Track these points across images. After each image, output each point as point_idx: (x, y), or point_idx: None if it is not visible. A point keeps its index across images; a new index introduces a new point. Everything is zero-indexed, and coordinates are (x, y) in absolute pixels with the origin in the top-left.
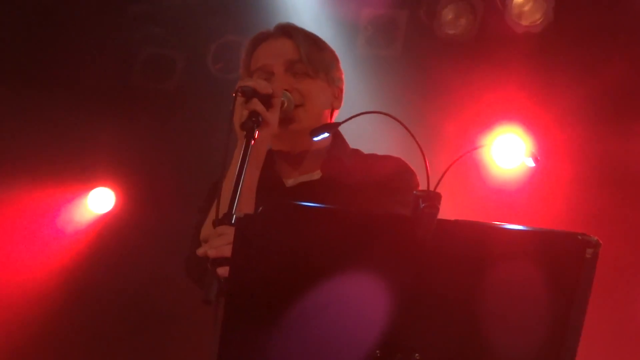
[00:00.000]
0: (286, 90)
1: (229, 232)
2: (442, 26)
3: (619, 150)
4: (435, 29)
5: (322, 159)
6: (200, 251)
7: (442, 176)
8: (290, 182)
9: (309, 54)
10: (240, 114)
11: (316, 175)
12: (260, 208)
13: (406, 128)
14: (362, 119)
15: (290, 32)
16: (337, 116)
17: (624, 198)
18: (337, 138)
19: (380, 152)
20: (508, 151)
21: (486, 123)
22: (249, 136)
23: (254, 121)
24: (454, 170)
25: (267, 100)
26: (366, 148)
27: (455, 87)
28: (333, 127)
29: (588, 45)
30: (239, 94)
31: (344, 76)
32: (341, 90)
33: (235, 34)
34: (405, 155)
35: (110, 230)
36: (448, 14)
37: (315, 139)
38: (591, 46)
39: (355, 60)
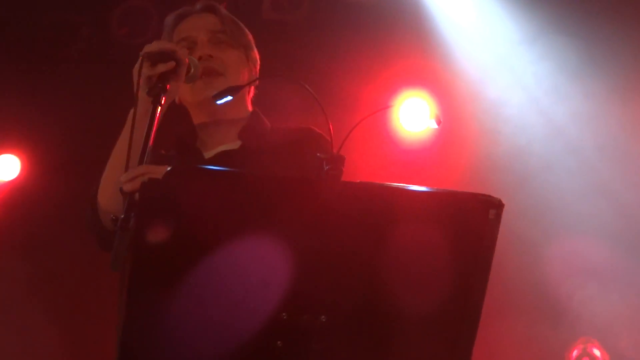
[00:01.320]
0: (210, 56)
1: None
2: None
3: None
4: None
5: (240, 126)
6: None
7: (345, 137)
8: (210, 153)
9: (232, 26)
10: (146, 77)
11: (236, 144)
12: (165, 171)
13: (309, 90)
14: (271, 88)
15: (214, 8)
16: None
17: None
18: (255, 112)
19: (289, 121)
20: (414, 114)
21: (394, 87)
22: (156, 101)
23: (160, 87)
24: (360, 134)
25: (172, 66)
26: (277, 118)
27: (361, 51)
28: (236, 90)
29: None
30: (145, 59)
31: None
32: (257, 70)
33: None
34: (316, 123)
35: (15, 199)
36: None
37: (219, 102)
38: None
39: (260, 25)
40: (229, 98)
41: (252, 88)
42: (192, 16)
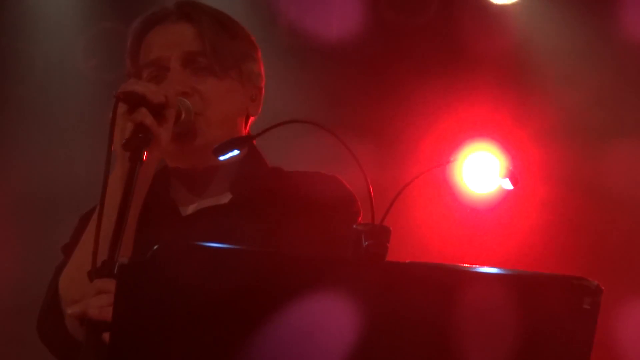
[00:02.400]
0: (184, 93)
1: (112, 289)
2: (390, 6)
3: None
4: (382, 10)
5: (232, 177)
6: (71, 310)
7: (390, 204)
8: (190, 209)
9: (216, 43)
10: (122, 127)
11: (224, 198)
12: (151, 250)
13: (339, 139)
14: (286, 129)
15: (191, 13)
16: (255, 124)
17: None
18: (252, 151)
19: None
20: (480, 170)
21: (452, 138)
22: (135, 158)
23: (141, 138)
24: (410, 196)
25: (158, 111)
26: (292, 167)
27: (409, 89)
28: (244, 143)
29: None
30: (122, 101)
31: (263, 71)
32: (260, 90)
33: (114, 20)
34: (345, 178)
35: None
36: None
37: (221, 158)
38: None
39: (276, 52)
40: (235, 153)
41: (251, 119)
42: (163, 24)
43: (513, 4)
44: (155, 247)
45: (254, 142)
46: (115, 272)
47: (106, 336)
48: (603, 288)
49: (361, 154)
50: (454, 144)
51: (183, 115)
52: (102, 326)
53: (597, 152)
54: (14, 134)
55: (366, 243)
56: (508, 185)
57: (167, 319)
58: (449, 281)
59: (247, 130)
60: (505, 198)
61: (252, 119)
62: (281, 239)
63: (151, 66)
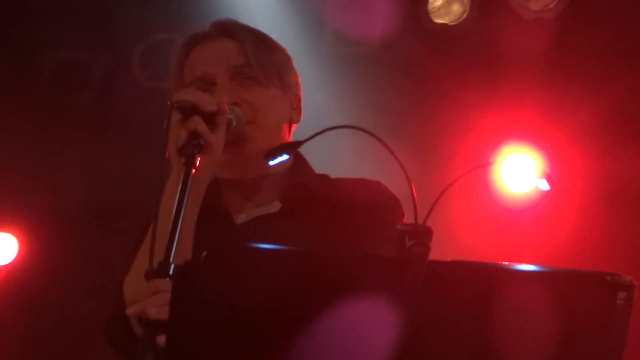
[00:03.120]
0: (234, 103)
1: (168, 288)
2: (431, 14)
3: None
4: (422, 18)
5: (281, 186)
6: (131, 311)
7: (433, 205)
8: (241, 217)
9: (258, 56)
10: (177, 135)
11: (274, 206)
12: (204, 254)
13: (385, 145)
14: (330, 135)
15: (231, 31)
16: (296, 132)
17: None
18: (299, 161)
19: (354, 177)
20: (518, 171)
21: (491, 140)
22: (189, 164)
23: (194, 145)
24: (451, 198)
25: (211, 119)
26: (336, 172)
27: (448, 92)
28: (294, 147)
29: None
30: (175, 110)
31: (300, 81)
32: (299, 99)
33: (167, 31)
34: (388, 180)
35: (11, 285)
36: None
37: (272, 162)
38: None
39: (320, 60)
40: (285, 157)
41: (293, 126)
42: (206, 44)
43: (550, 9)
44: (209, 249)
45: (300, 150)
46: (171, 273)
47: (162, 337)
48: (637, 284)
49: (403, 157)
50: (492, 145)
51: (234, 123)
52: (159, 325)
53: (635, 153)
54: (72, 142)
55: (410, 243)
56: (545, 186)
57: (221, 319)
58: (489, 278)
59: (290, 138)
60: (543, 198)
61: (294, 126)
62: (330, 243)
63: (198, 81)
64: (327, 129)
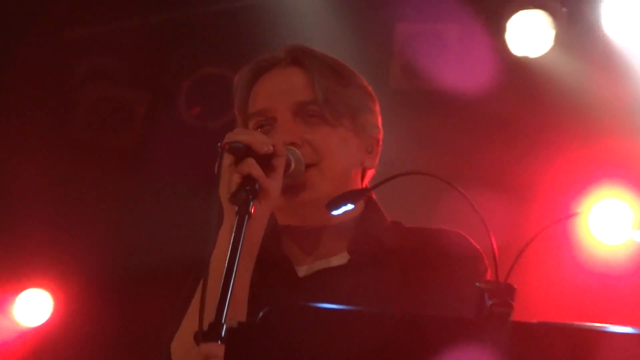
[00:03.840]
0: (293, 144)
1: (220, 354)
2: (510, 44)
3: None
4: (500, 48)
5: (349, 236)
6: None
7: (515, 260)
8: (304, 269)
9: (328, 91)
10: (229, 179)
11: (341, 259)
12: (261, 313)
13: (461, 192)
14: (402, 181)
15: (302, 59)
16: (372, 178)
17: None
18: (370, 206)
19: (429, 225)
20: (609, 221)
21: (576, 185)
22: (243, 212)
23: (248, 190)
24: (534, 252)
25: (266, 161)
26: (410, 220)
27: (529, 133)
28: (358, 196)
29: None
30: (227, 152)
31: (381, 122)
32: (378, 142)
33: (217, 65)
34: (467, 231)
35: (45, 350)
36: (516, 27)
37: (335, 212)
38: None
39: (386, 96)
40: (350, 207)
41: (368, 172)
42: (272, 72)
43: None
44: (266, 309)
45: (373, 195)
46: (223, 335)
47: None
48: None
49: (482, 206)
50: (579, 191)
51: (292, 166)
52: None
53: None
54: (112, 189)
55: (490, 302)
56: None
57: None
58: (580, 341)
59: (364, 185)
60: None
61: (369, 172)
62: (403, 301)
63: (258, 116)
64: (397, 175)
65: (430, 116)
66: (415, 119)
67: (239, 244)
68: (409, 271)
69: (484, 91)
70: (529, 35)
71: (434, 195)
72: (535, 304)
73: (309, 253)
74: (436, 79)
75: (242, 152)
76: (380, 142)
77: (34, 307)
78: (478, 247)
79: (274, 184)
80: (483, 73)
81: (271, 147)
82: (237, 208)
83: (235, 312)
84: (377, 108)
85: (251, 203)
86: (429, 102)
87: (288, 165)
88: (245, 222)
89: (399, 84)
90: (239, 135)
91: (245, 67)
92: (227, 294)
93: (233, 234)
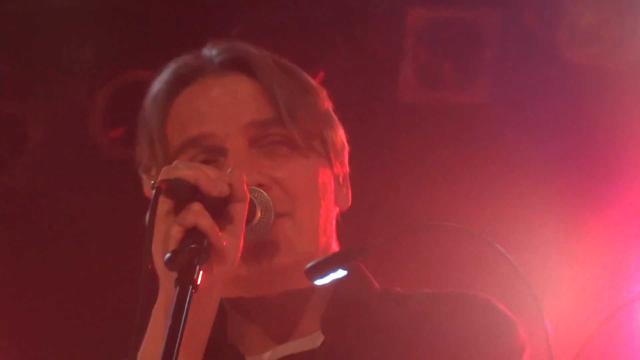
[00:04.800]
0: (259, 185)
1: None
2: (575, 42)
3: None
4: (560, 46)
5: (323, 308)
6: None
7: (580, 349)
8: (265, 357)
9: (292, 103)
10: (165, 234)
11: (313, 340)
12: None
13: (501, 251)
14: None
15: (245, 61)
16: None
17: None
18: (355, 270)
19: (440, 290)
20: None
21: None
22: (185, 281)
23: (194, 250)
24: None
25: (221, 208)
26: (414, 285)
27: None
28: (353, 258)
29: None
30: (163, 194)
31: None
32: (346, 169)
33: (144, 68)
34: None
35: None
36: (583, 21)
37: (319, 281)
38: None
39: (393, 112)
40: (342, 273)
41: (335, 210)
42: (205, 83)
43: None
44: None
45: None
46: None
47: None
48: None
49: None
50: None
51: (258, 215)
52: None
53: None
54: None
55: None
56: None
57: None
58: None
59: (334, 230)
60: None
61: (338, 213)
62: None
63: (193, 147)
64: (406, 229)
65: (449, 135)
66: (428, 139)
67: (179, 328)
68: (407, 356)
69: (525, 98)
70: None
71: (447, 252)
72: None
73: (269, 336)
74: (465, 87)
75: (186, 195)
76: (348, 168)
77: None
78: (513, 316)
79: (231, 242)
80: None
81: (227, 188)
82: (176, 276)
83: None
84: (335, 116)
85: (197, 269)
86: (450, 116)
87: (252, 214)
88: (189, 297)
89: (411, 96)
90: (181, 170)
91: (156, 79)
92: None
93: (171, 313)
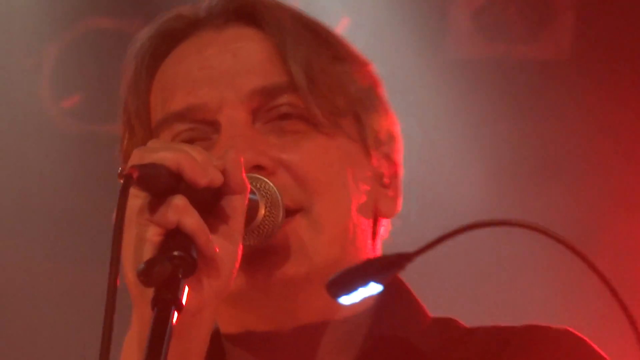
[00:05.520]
0: (259, 167)
1: None
2: None
3: None
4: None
5: (359, 343)
6: None
7: None
8: None
9: (312, 65)
10: (137, 237)
11: None
12: None
13: (588, 260)
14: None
15: (259, 10)
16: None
17: None
18: (394, 290)
19: (509, 319)
20: None
21: None
22: (165, 301)
23: (177, 259)
24: None
25: (211, 203)
26: (479, 315)
27: None
28: (390, 268)
29: None
30: (135, 184)
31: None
32: (396, 166)
33: (112, 17)
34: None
35: None
36: None
37: (345, 299)
38: None
39: (439, 73)
40: (374, 289)
41: (380, 221)
42: (199, 37)
43: None
44: None
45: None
46: None
47: None
48: None
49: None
50: None
51: (262, 213)
52: None
53: None
54: None
55: None
56: None
57: None
58: None
59: (375, 244)
60: None
61: (382, 222)
62: None
63: (180, 121)
64: (459, 230)
65: (506, 97)
66: (482, 102)
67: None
68: None
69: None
70: None
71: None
72: None
73: None
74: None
75: (165, 185)
76: (399, 160)
77: None
78: (605, 355)
79: (227, 248)
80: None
81: (220, 176)
82: (154, 294)
83: None
84: (384, 96)
85: (182, 284)
86: (505, 75)
87: (254, 210)
88: (171, 321)
89: (465, 49)
90: (158, 153)
91: (142, 31)
92: None
93: (147, 344)
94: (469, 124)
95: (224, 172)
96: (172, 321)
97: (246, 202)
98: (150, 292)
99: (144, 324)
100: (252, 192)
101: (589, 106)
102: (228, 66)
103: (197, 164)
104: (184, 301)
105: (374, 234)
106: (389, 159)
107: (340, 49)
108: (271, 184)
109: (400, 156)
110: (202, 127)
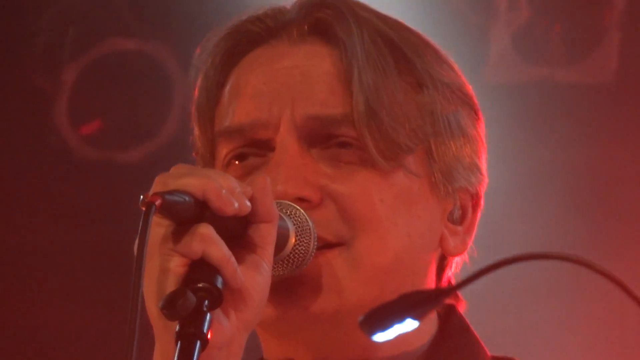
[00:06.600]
0: (300, 199)
1: None
2: None
3: None
4: None
5: None
6: None
7: None
8: None
9: (380, 94)
10: (160, 268)
11: None
12: None
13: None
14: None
15: (336, 26)
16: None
17: None
18: (451, 326)
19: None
20: None
21: None
22: (190, 335)
23: (202, 291)
24: None
25: (239, 232)
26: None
27: None
28: (426, 304)
29: None
30: (158, 212)
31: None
32: (477, 202)
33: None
34: None
35: None
36: None
37: (378, 337)
38: None
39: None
40: (411, 325)
41: (450, 260)
42: (277, 47)
43: None
44: None
45: (459, 304)
46: None
47: None
48: None
49: None
50: None
51: (292, 241)
52: None
53: None
54: None
55: None
56: None
57: None
58: None
59: (442, 281)
60: None
61: (451, 261)
62: None
63: (237, 137)
64: (503, 262)
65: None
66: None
67: None
68: None
69: None
70: None
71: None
72: None
73: None
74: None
75: (190, 213)
76: (482, 202)
77: None
78: None
79: (255, 279)
80: None
81: (247, 204)
82: (178, 327)
83: None
84: (481, 130)
85: (208, 318)
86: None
87: (284, 239)
88: (196, 355)
89: (504, 73)
90: (183, 179)
91: (214, 34)
92: None
93: None
94: (509, 150)
95: (252, 200)
96: (196, 356)
97: (275, 230)
98: (174, 325)
99: (167, 359)
100: (281, 219)
101: (634, 132)
102: (293, 84)
103: (223, 191)
104: (209, 335)
105: (443, 272)
106: (466, 191)
107: (427, 74)
108: (302, 212)
109: (483, 187)
110: (258, 144)
